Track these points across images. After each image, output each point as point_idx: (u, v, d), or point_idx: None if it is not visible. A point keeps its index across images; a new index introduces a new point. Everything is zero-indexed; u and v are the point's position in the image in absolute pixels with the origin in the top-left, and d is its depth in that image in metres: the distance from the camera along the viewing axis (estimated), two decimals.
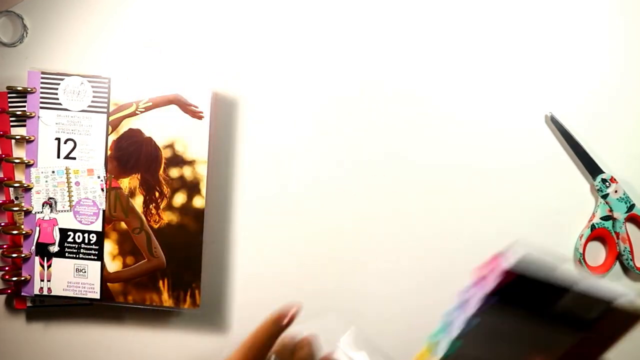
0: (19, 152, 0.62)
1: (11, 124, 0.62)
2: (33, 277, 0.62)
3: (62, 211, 0.62)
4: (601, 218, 0.62)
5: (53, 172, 0.61)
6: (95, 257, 0.62)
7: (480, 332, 0.38)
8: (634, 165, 0.63)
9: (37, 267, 0.62)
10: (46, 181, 0.61)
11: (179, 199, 0.62)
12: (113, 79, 0.61)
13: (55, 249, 0.62)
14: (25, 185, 0.61)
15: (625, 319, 0.39)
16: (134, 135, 0.61)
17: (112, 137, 0.61)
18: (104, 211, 0.62)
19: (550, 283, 0.37)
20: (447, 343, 0.39)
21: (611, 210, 0.62)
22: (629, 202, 0.62)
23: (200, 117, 0.61)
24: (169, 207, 0.62)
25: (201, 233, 0.61)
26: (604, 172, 0.62)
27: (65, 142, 0.61)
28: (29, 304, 0.64)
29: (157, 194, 0.62)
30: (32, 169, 0.61)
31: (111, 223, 0.62)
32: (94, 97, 0.61)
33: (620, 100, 0.63)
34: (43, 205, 0.61)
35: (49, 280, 0.62)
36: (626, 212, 0.62)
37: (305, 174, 0.64)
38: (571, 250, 0.63)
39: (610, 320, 0.39)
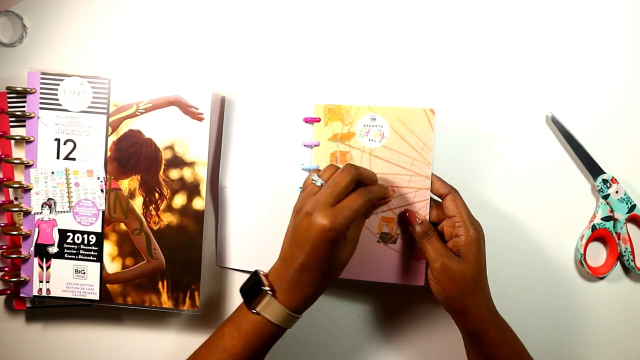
0: (18, 153, 0.62)
1: (11, 124, 0.62)
2: (32, 278, 0.61)
3: (61, 212, 0.61)
4: (602, 218, 0.62)
5: (52, 172, 0.61)
6: (95, 258, 0.61)
7: None
8: (635, 166, 0.63)
9: (36, 268, 0.61)
10: (45, 182, 0.61)
11: (179, 200, 0.61)
12: (113, 80, 0.61)
13: (54, 249, 0.61)
14: (24, 185, 0.61)
15: None
16: (134, 137, 0.61)
17: (112, 138, 0.61)
18: (103, 212, 0.61)
19: None
20: None
21: (612, 211, 0.62)
22: (630, 203, 0.62)
23: (200, 119, 0.61)
24: (169, 208, 0.61)
25: (201, 234, 0.61)
26: (604, 173, 0.62)
27: (64, 143, 0.61)
28: (28, 305, 0.64)
29: (157, 195, 0.61)
30: (32, 170, 0.61)
31: (111, 224, 0.62)
32: (93, 97, 0.61)
33: (621, 101, 0.63)
34: (42, 206, 0.61)
35: (48, 282, 0.61)
36: (627, 213, 0.62)
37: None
38: (572, 251, 0.63)
39: None
